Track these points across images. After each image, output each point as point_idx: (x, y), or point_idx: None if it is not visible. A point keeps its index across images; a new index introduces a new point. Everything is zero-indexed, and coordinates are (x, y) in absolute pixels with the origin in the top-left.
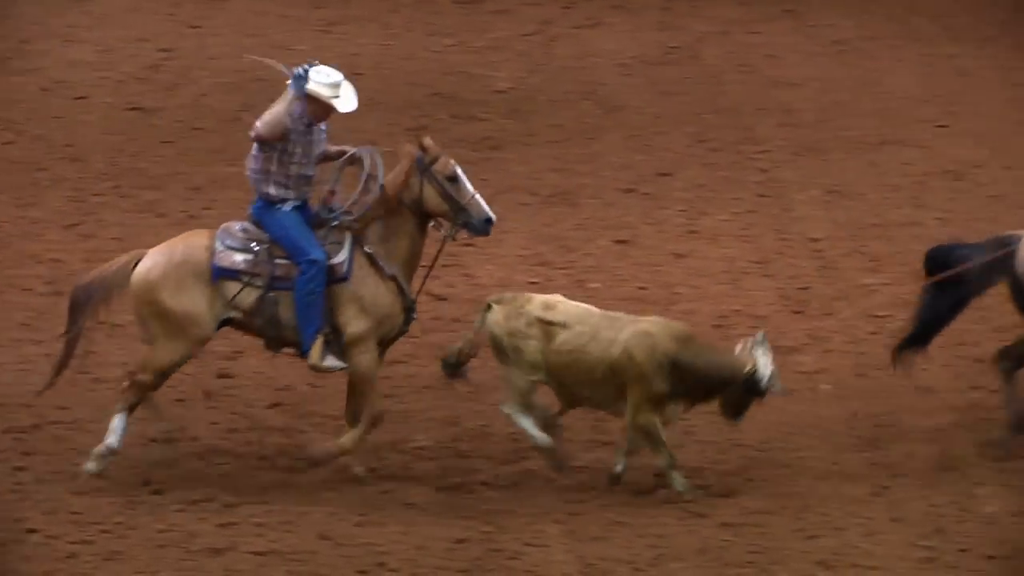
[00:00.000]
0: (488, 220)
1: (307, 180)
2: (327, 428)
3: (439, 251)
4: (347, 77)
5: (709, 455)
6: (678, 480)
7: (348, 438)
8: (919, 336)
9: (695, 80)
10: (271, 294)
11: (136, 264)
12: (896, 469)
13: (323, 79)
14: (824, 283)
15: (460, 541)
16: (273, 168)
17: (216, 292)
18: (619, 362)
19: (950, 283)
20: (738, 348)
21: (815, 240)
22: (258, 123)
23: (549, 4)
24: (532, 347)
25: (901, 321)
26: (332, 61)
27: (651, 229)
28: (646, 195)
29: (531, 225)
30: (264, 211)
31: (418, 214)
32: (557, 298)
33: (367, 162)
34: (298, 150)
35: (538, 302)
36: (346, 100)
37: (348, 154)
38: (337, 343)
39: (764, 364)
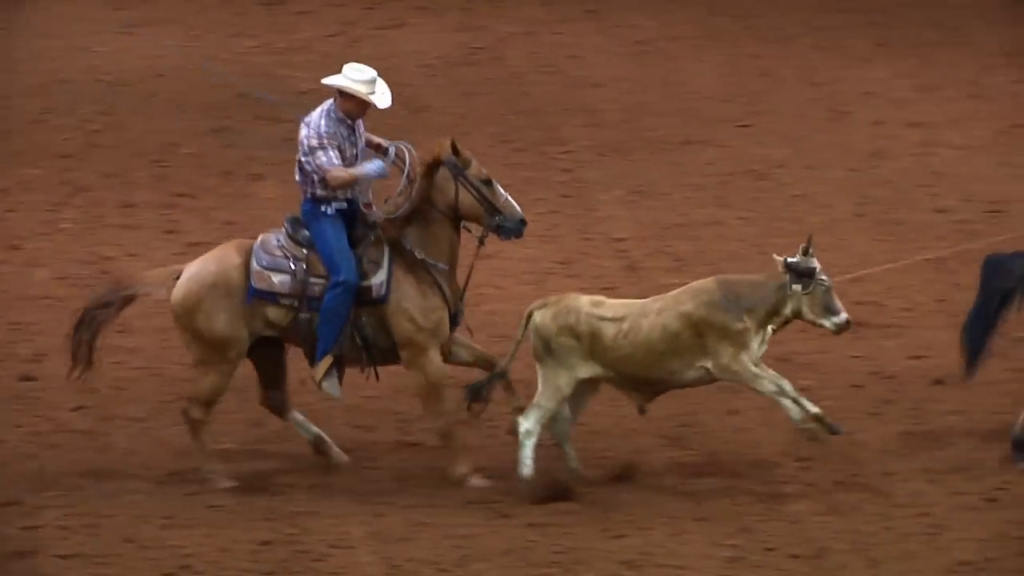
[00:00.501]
0: (522, 221)
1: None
2: (131, 431)
3: (475, 254)
4: (149, 79)
5: (513, 455)
6: (793, 409)
7: (456, 466)
8: (977, 344)
9: (498, 81)
10: (305, 315)
11: (172, 278)
12: (701, 469)
13: (357, 75)
14: (628, 283)
15: (265, 543)
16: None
17: (252, 312)
18: (680, 325)
19: (999, 285)
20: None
21: (619, 240)
22: (330, 177)
23: (352, 5)
24: (585, 344)
25: None
26: (133, 63)
27: None
28: None
29: None
30: (312, 215)
31: (453, 218)
32: (599, 298)
33: (408, 158)
34: (347, 155)
35: (586, 300)
36: (382, 96)
37: (383, 148)
38: (340, 371)
39: (790, 257)
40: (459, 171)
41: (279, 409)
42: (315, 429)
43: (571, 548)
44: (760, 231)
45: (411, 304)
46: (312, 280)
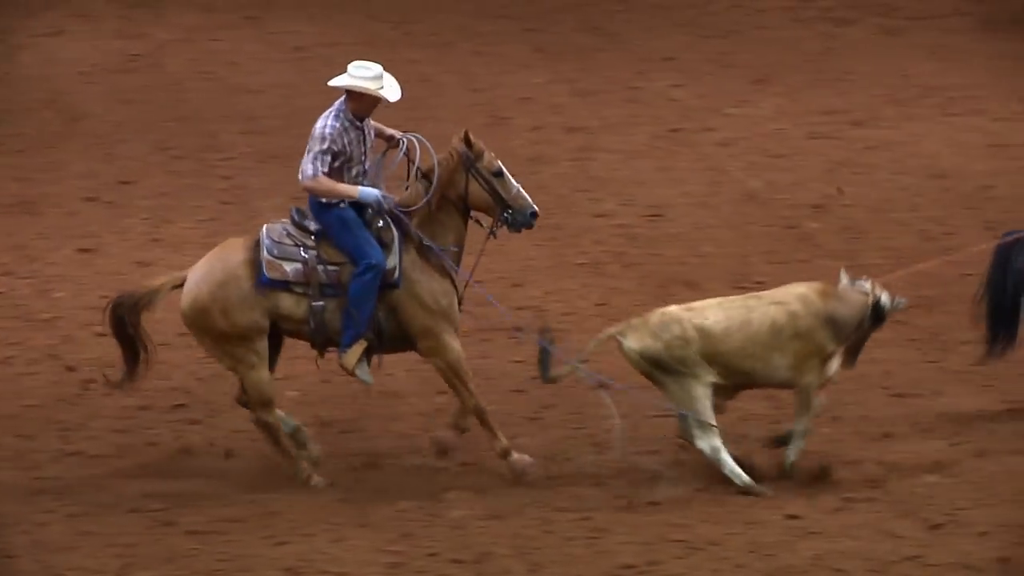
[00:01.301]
0: (534, 214)
1: (363, 173)
2: None
3: (482, 247)
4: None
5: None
6: (793, 449)
7: (496, 442)
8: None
9: (157, 88)
10: (319, 302)
11: (172, 285)
12: (363, 474)
13: (364, 73)
14: None
15: None
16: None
17: (266, 301)
18: (785, 323)
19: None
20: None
21: None
22: (314, 183)
23: (10, 14)
24: (696, 349)
25: None
26: None
27: (115, 237)
28: (109, 203)
29: None
30: (324, 206)
31: (462, 209)
32: (679, 306)
33: (425, 150)
34: (355, 153)
35: (675, 309)
36: (391, 89)
37: (394, 140)
38: (368, 357)
39: (878, 291)
40: (470, 162)
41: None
42: (293, 422)
43: (235, 555)
44: None
45: (422, 289)
46: (324, 267)
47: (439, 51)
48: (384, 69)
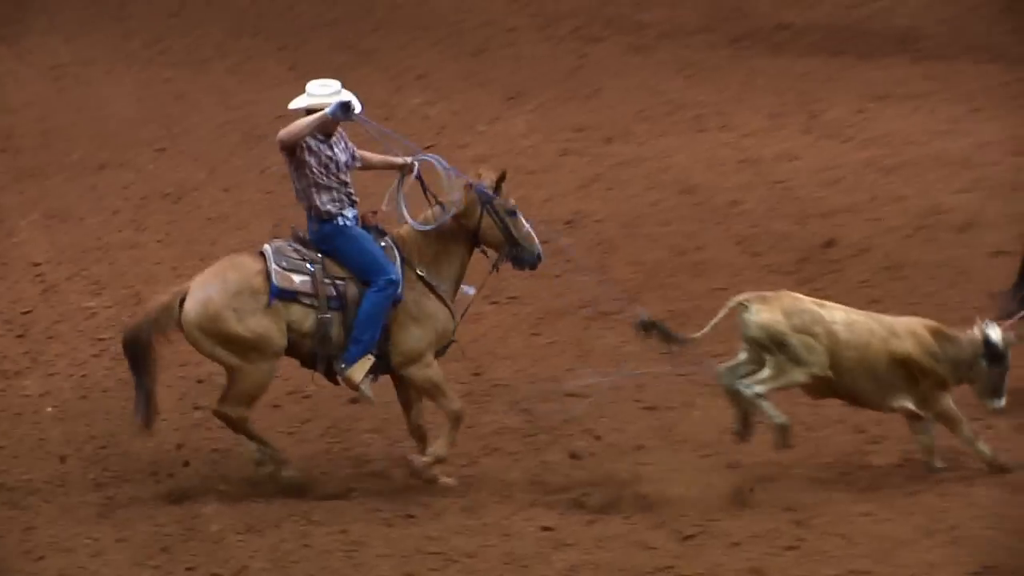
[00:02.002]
0: (539, 255)
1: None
2: None
3: (484, 280)
4: None
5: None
6: (984, 450)
7: (440, 446)
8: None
9: None
10: (327, 315)
11: (182, 300)
12: (119, 489)
13: (322, 91)
14: (47, 307)
15: None
16: (322, 181)
17: (278, 313)
18: (904, 358)
19: None
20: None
21: (37, 264)
22: (284, 130)
23: None
24: (822, 346)
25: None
26: None
27: None
28: None
29: None
30: (333, 232)
31: (471, 241)
32: (814, 300)
33: (440, 170)
34: (340, 159)
35: (808, 302)
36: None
37: (407, 164)
38: (375, 373)
39: (993, 331)
40: (488, 199)
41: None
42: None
43: None
44: (177, 253)
45: (418, 310)
46: (329, 280)
47: (194, 69)
48: (140, 86)
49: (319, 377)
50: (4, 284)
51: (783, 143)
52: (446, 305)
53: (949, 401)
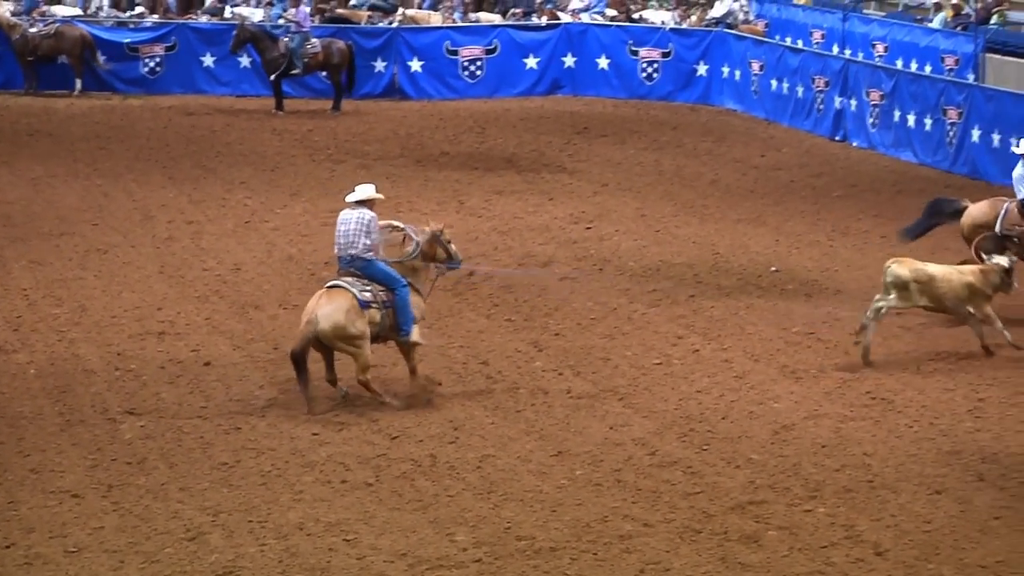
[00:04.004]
0: (460, 262)
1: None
2: None
3: (433, 282)
4: None
5: None
6: (1006, 334)
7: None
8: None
9: None
10: (384, 311)
11: (313, 320)
12: (71, 415)
13: (360, 189)
14: (30, 313)
15: None
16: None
17: (366, 316)
18: (971, 288)
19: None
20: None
21: (24, 289)
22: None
23: None
24: (921, 288)
25: None
26: None
27: None
28: None
29: None
30: (370, 263)
31: (432, 260)
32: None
33: (410, 232)
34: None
35: (914, 263)
36: (354, 194)
37: (395, 227)
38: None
39: (1003, 260)
40: (438, 238)
41: (333, 382)
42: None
43: None
44: (105, 284)
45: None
46: (381, 292)
47: (114, 178)
48: (80, 189)
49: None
50: (5, 301)
51: (444, 219)
52: (422, 297)
53: (989, 308)
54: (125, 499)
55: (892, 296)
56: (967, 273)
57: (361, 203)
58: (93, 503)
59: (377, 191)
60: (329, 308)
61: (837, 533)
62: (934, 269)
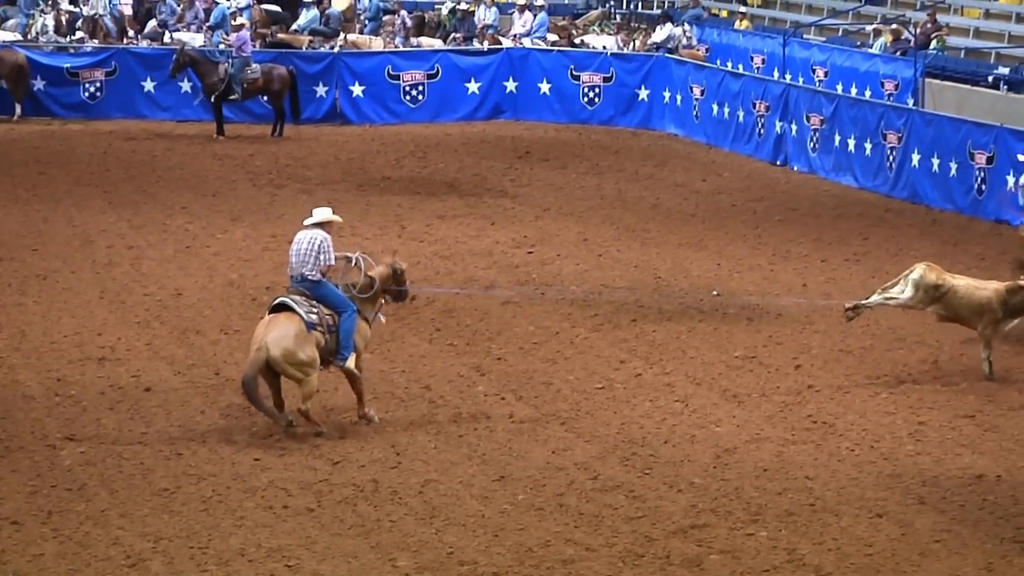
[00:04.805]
0: (408, 292)
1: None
2: None
3: (378, 310)
4: None
5: None
6: (986, 366)
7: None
8: None
9: None
10: (328, 336)
11: (263, 347)
12: (10, 441)
13: (317, 212)
14: None
15: None
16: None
17: (313, 338)
18: (983, 304)
19: None
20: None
21: None
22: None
23: None
24: (938, 294)
25: None
26: None
27: None
28: None
29: None
30: (319, 285)
31: (384, 291)
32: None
33: (359, 262)
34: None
35: (943, 272)
36: (312, 217)
37: (345, 256)
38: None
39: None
40: (399, 274)
41: (279, 407)
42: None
43: None
44: (45, 309)
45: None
46: (328, 315)
47: (54, 204)
48: (20, 215)
49: None
50: None
51: (390, 244)
52: (369, 325)
53: (994, 330)
54: (65, 526)
55: (907, 293)
56: (987, 288)
57: (318, 224)
58: (32, 530)
59: (334, 215)
60: (277, 333)
61: (779, 556)
62: (959, 281)
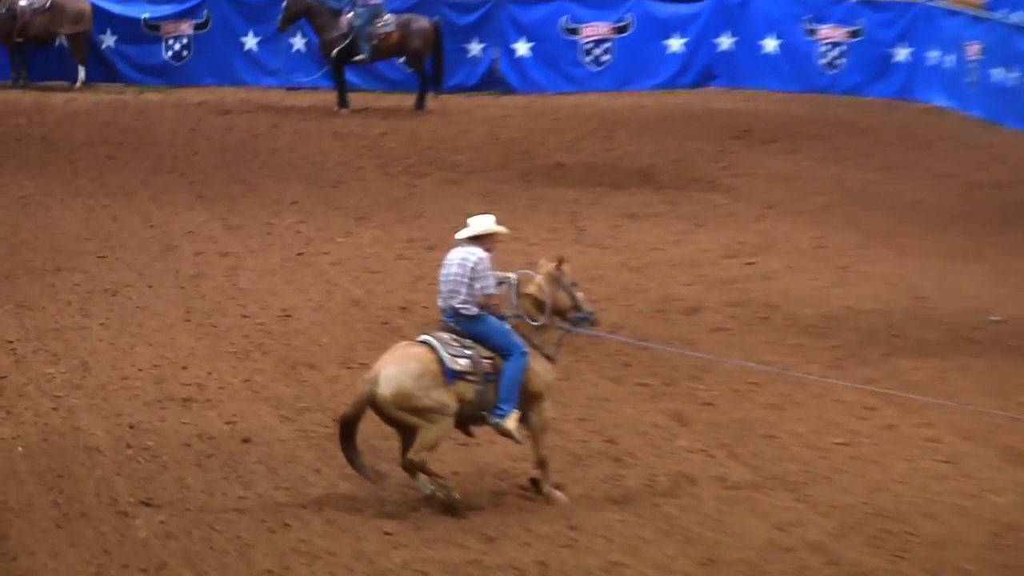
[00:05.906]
0: (591, 313)
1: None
2: None
3: (561, 338)
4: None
5: None
6: None
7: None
8: None
9: None
10: (481, 387)
11: (373, 380)
12: (68, 507)
13: (473, 223)
14: (18, 373)
15: None
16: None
17: (452, 389)
18: None
19: None
20: None
21: (10, 341)
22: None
23: None
24: None
25: None
26: None
27: None
28: None
29: None
30: (477, 319)
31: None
32: None
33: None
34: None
35: None
36: (474, 225)
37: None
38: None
39: None
40: (558, 278)
41: (412, 471)
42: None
43: None
44: (113, 333)
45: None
46: (483, 360)
47: (125, 198)
48: (84, 211)
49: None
50: None
51: (559, 250)
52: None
53: None
54: None
55: None
56: None
57: (475, 239)
58: None
59: (498, 223)
60: (396, 369)
61: None
62: None
